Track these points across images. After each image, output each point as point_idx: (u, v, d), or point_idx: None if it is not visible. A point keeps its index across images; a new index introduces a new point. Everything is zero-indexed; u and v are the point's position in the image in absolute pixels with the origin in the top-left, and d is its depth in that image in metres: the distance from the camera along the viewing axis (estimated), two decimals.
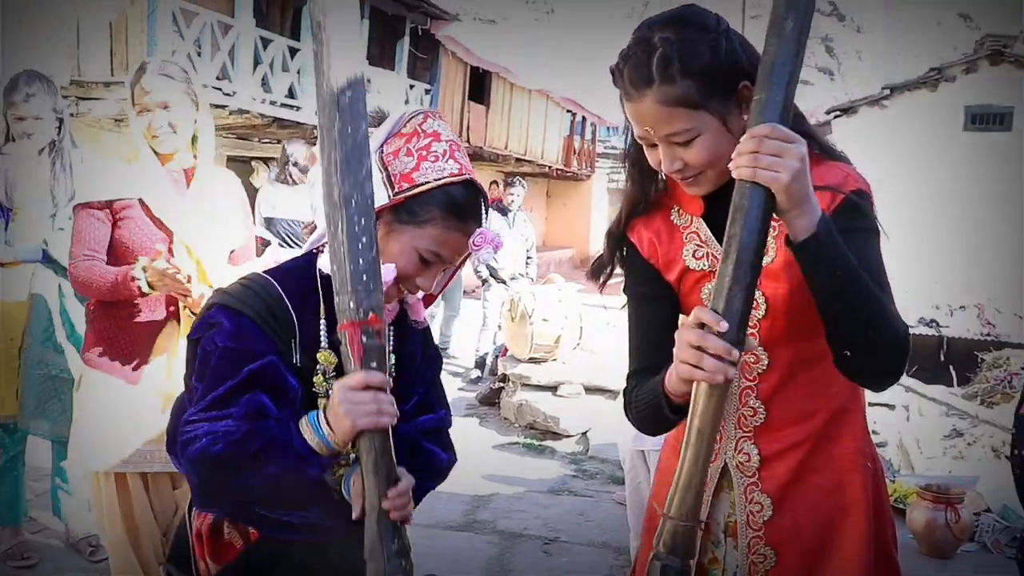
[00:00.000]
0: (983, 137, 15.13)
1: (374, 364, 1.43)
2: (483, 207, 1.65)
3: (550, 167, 23.42)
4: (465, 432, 6.36)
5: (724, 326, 1.27)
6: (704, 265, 1.58)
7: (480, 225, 1.62)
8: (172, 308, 2.68)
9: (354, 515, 1.50)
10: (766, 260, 1.46)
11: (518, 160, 20.87)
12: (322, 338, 1.57)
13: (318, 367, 1.57)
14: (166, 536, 2.77)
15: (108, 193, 2.69)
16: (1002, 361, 10.02)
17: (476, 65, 17.91)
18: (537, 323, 6.91)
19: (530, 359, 7.04)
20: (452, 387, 7.98)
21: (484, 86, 18.96)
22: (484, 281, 8.28)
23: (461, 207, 1.58)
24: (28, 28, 8.01)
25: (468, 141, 17.89)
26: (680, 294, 1.62)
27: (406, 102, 14.91)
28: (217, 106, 9.81)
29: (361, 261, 1.42)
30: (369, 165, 1.46)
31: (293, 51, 11.36)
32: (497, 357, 7.64)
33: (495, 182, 9.37)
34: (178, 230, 2.67)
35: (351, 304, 1.42)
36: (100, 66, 8.86)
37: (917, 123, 15.26)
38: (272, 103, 10.78)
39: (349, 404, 1.41)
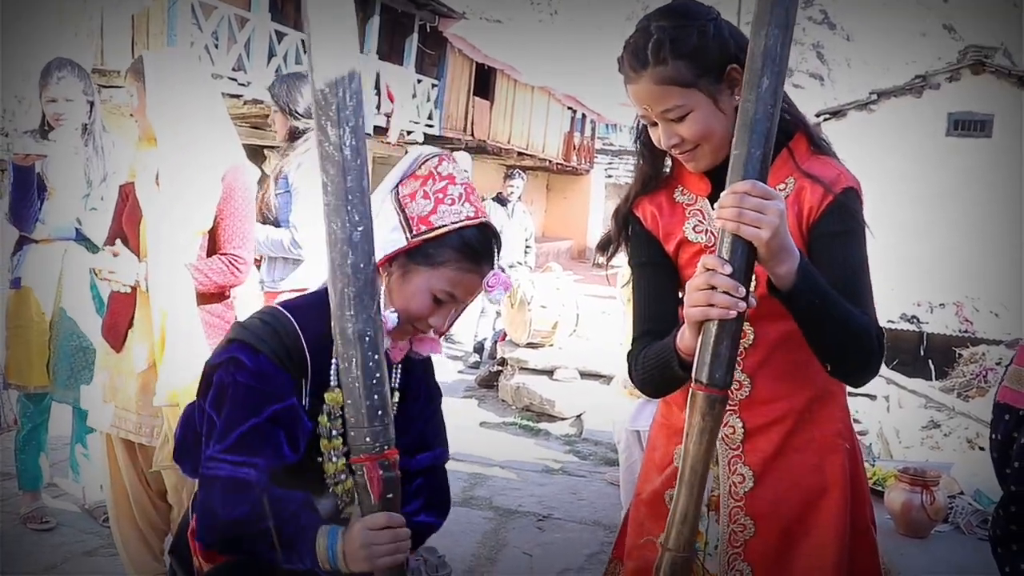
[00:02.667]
0: (965, 143, 15.55)
1: (390, 496, 1.47)
2: (496, 249, 1.65)
3: (550, 161, 23.56)
4: (464, 413, 6.56)
5: (728, 269, 1.32)
6: (702, 239, 1.64)
7: (493, 267, 1.63)
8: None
9: None
10: None
11: (520, 154, 21.00)
12: (332, 379, 1.55)
13: (324, 406, 1.55)
14: (165, 500, 2.85)
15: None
16: (978, 356, 10.12)
17: (482, 62, 18.09)
18: (535, 309, 7.01)
19: (528, 344, 7.13)
20: (452, 370, 8.15)
21: (489, 82, 19.20)
22: None
23: (476, 250, 1.59)
24: (57, 17, 8.14)
25: (472, 135, 18.09)
26: (678, 266, 1.68)
27: (413, 96, 15.16)
28: (232, 96, 10.11)
29: (376, 397, 1.44)
30: (380, 301, 1.48)
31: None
32: (496, 342, 7.76)
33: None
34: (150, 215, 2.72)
35: (367, 439, 1.45)
36: (122, 55, 9.08)
37: (902, 128, 15.56)
38: None
39: (372, 547, 1.43)
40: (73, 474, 3.95)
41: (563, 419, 6.46)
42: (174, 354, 2.59)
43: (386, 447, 1.46)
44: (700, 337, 1.37)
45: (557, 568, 3.84)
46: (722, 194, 1.34)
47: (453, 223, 1.56)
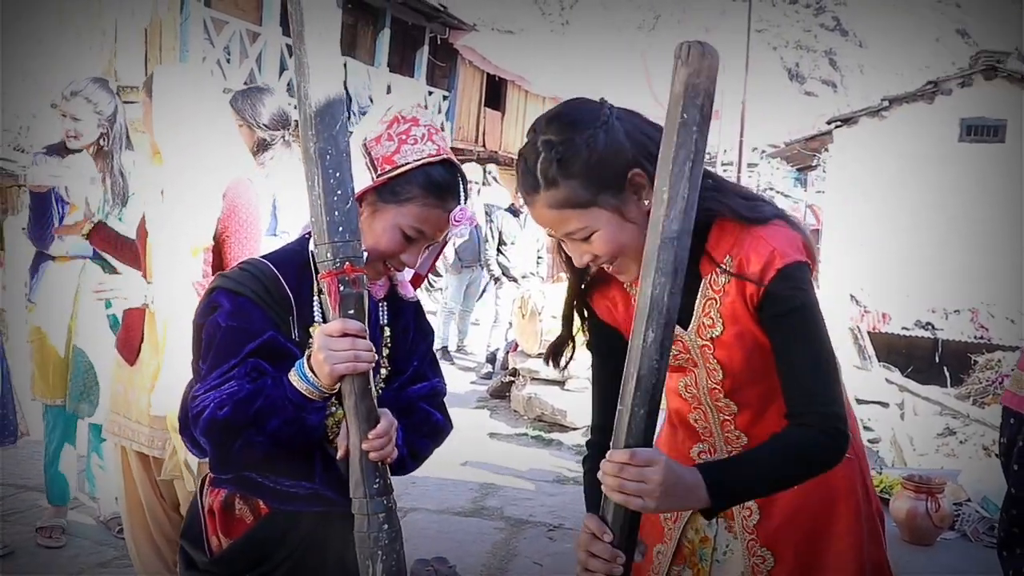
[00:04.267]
0: (977, 148, 15.48)
1: (351, 311, 1.46)
2: (462, 185, 1.69)
3: None
4: (476, 423, 6.59)
5: (608, 537, 1.30)
6: None
7: (459, 202, 1.67)
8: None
9: (338, 456, 1.56)
10: (715, 332, 1.51)
11: None
12: (315, 314, 1.62)
13: (310, 340, 1.57)
14: (178, 511, 2.85)
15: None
16: (994, 363, 10.08)
17: (493, 73, 18.19)
18: (546, 320, 6.99)
19: (539, 354, 6.95)
20: (465, 381, 8.17)
21: (500, 93, 19.31)
22: (496, 280, 8.47)
23: (440, 185, 1.63)
24: (56, 17, 8.18)
25: (484, 146, 18.17)
26: None
27: (425, 108, 15.22)
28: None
29: (337, 213, 1.44)
30: (343, 121, 1.48)
31: None
32: (508, 352, 7.78)
33: None
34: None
35: (328, 255, 1.45)
36: (135, 70, 9.20)
37: (914, 134, 15.52)
38: (296, 106, 11.15)
39: (328, 351, 1.44)
40: (89, 486, 3.99)
41: (575, 429, 6.46)
42: (174, 370, 2.56)
43: (347, 262, 1.45)
44: None
45: None
46: (604, 461, 1.30)
47: (416, 160, 1.61)
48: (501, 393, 7.48)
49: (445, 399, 1.86)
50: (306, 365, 1.49)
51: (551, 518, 4.56)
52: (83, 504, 4.05)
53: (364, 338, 1.47)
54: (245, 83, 10.44)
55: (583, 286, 1.67)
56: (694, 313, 1.53)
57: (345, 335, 1.44)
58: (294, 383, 1.49)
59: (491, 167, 8.88)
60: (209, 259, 2.74)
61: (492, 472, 5.32)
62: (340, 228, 1.45)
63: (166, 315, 2.64)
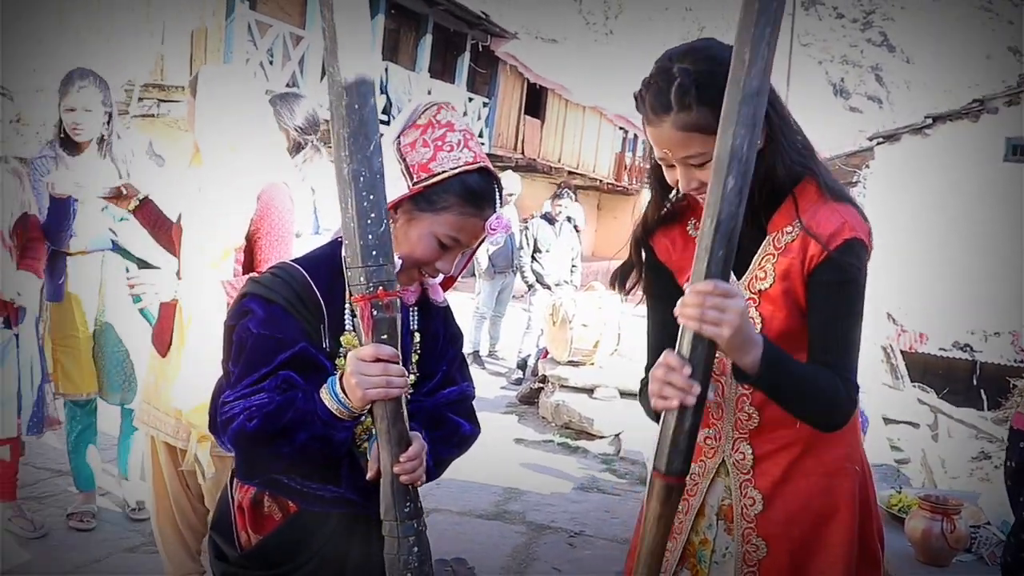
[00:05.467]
0: (1022, 168, 15.13)
1: (384, 336, 1.46)
2: (497, 193, 1.68)
3: (601, 181, 23.62)
4: (504, 428, 6.62)
5: (688, 370, 1.37)
6: None
7: (495, 210, 1.66)
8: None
9: (368, 477, 1.58)
10: (764, 284, 1.60)
11: (570, 173, 21.07)
12: (347, 322, 1.61)
13: (341, 349, 1.60)
14: (203, 503, 2.88)
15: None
16: None
17: (533, 81, 18.23)
18: (577, 328, 7.04)
19: (569, 362, 7.15)
20: (495, 386, 8.19)
21: (540, 101, 19.34)
22: (530, 287, 8.50)
23: (476, 194, 1.62)
24: (57, 18, 8.33)
25: (523, 153, 18.22)
26: None
27: (464, 114, 15.32)
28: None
29: (371, 236, 1.43)
30: (378, 141, 1.46)
31: None
32: (538, 359, 7.80)
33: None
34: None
35: (361, 279, 1.45)
36: (181, 71, 9.36)
37: (958, 152, 15.24)
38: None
39: (360, 376, 1.45)
40: (121, 473, 4.08)
41: (601, 437, 6.47)
42: (193, 367, 2.60)
43: (380, 287, 1.45)
44: (660, 425, 1.43)
45: None
46: (687, 291, 1.38)
47: (452, 169, 1.60)
48: (530, 399, 7.50)
49: (474, 402, 1.87)
50: (338, 385, 1.50)
51: (572, 525, 4.58)
52: (111, 492, 4.14)
53: (397, 363, 1.47)
54: (287, 85, 10.59)
55: (656, 218, 1.75)
56: (750, 266, 1.63)
57: (378, 360, 1.45)
58: (325, 401, 1.50)
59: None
60: (240, 259, 2.78)
61: (516, 477, 5.34)
62: (374, 252, 1.44)
63: (192, 311, 2.68)
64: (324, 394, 1.51)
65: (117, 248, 3.73)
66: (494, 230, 1.64)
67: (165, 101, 9.08)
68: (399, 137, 1.64)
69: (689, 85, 1.48)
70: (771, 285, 1.59)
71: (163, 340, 2.86)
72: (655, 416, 1.57)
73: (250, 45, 10.07)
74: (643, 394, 1.69)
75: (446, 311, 1.83)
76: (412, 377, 1.72)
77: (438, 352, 1.78)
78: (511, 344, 9.32)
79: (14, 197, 3.43)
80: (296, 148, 3.60)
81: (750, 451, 1.67)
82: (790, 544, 1.64)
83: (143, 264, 3.68)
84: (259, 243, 2.76)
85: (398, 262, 1.56)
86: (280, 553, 1.68)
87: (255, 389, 1.53)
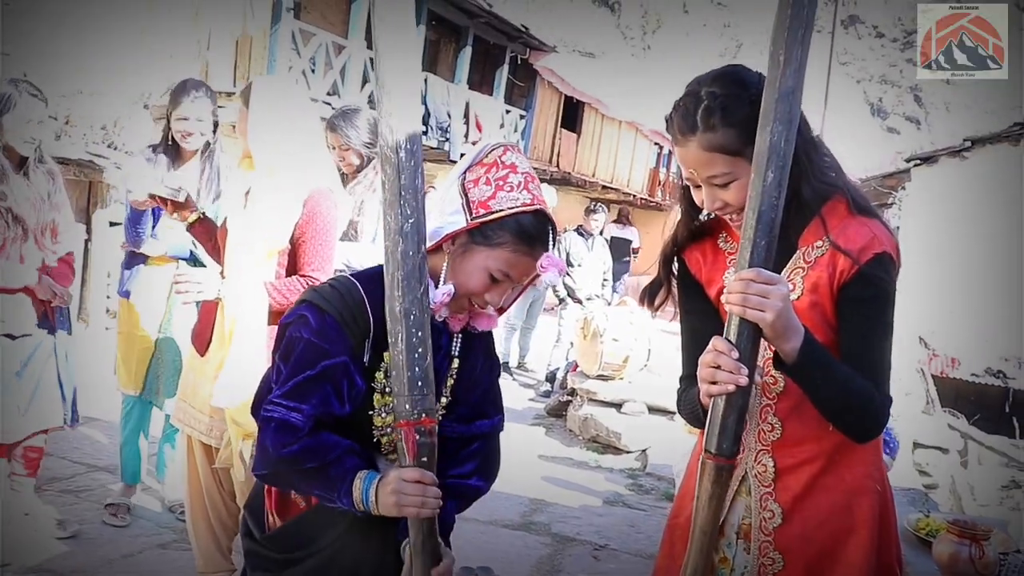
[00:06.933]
0: None
1: (425, 459, 1.61)
2: (551, 234, 1.76)
3: (635, 196, 23.57)
4: (531, 440, 6.64)
5: (735, 354, 1.45)
6: None
7: (547, 250, 1.74)
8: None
9: None
10: (793, 296, 1.60)
11: (604, 187, 21.09)
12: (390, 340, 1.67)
13: (383, 364, 1.70)
14: (235, 501, 2.95)
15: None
16: None
17: (570, 95, 18.29)
18: (607, 342, 7.04)
19: (598, 376, 7.16)
20: (523, 397, 8.23)
21: (577, 115, 19.38)
22: (562, 300, 8.54)
23: (530, 233, 1.71)
24: (57, 18, 8.41)
25: (558, 166, 18.26)
26: (720, 312, 1.71)
27: (501, 126, 15.43)
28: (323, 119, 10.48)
29: (417, 369, 1.57)
30: (428, 283, 1.61)
31: None
32: (568, 372, 7.82)
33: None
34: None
35: (407, 407, 1.58)
36: (225, 77, 9.57)
37: (996, 175, 14.93)
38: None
39: (401, 494, 1.59)
40: (158, 473, 4.15)
41: (628, 452, 6.46)
42: (239, 366, 2.67)
43: (423, 415, 1.59)
44: (710, 409, 1.50)
45: None
46: (730, 280, 1.45)
47: (510, 208, 1.69)
48: (558, 412, 7.52)
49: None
50: (374, 488, 1.63)
51: (597, 538, 4.59)
52: (150, 487, 4.21)
53: (435, 486, 1.62)
54: (327, 93, 10.71)
55: (685, 235, 1.82)
56: None
57: (419, 483, 1.60)
58: (354, 492, 1.64)
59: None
60: (283, 261, 2.85)
61: (543, 488, 5.36)
62: (420, 383, 1.58)
63: (236, 311, 2.74)
64: (356, 486, 1.65)
65: (192, 257, 3.78)
66: (544, 269, 1.73)
67: None
68: (464, 172, 1.74)
69: (715, 107, 1.56)
70: (799, 297, 1.62)
71: (202, 339, 2.93)
72: (697, 420, 1.64)
73: (293, 53, 10.22)
74: (681, 402, 1.76)
75: (486, 337, 1.91)
76: (444, 399, 1.82)
77: (474, 379, 1.87)
78: (541, 356, 9.34)
79: (45, 198, 3.45)
80: (363, 167, 3.60)
81: (772, 464, 1.68)
82: (807, 560, 1.65)
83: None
84: (303, 247, 2.83)
85: (451, 289, 1.69)
86: (298, 540, 1.78)
87: (296, 406, 1.64)
